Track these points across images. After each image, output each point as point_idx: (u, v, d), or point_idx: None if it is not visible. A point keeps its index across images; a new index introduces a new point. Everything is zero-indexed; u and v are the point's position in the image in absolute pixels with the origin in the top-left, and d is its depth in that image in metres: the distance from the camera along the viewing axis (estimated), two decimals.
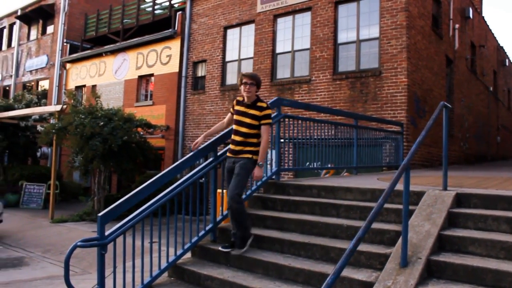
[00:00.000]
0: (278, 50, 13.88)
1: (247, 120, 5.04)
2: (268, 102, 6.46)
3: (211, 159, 5.42)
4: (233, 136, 5.16)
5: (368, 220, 3.40)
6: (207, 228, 5.43)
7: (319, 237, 5.02)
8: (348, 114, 9.50)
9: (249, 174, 5.06)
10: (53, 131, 13.00)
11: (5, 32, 27.89)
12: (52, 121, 16.07)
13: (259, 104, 5.09)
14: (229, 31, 15.28)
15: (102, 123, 12.13)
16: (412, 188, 4.81)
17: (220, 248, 5.04)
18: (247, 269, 4.85)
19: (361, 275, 4.16)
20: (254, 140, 5.06)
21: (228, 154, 5.21)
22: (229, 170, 5.12)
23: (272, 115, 6.43)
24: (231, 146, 5.17)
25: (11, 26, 27.40)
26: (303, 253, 4.83)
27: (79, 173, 14.53)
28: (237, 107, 5.22)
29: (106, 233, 4.42)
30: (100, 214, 4.32)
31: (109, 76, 19.25)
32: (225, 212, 5.64)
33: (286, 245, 4.99)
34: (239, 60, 14.78)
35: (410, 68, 11.28)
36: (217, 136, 5.53)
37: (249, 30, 14.65)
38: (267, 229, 5.51)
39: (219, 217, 5.58)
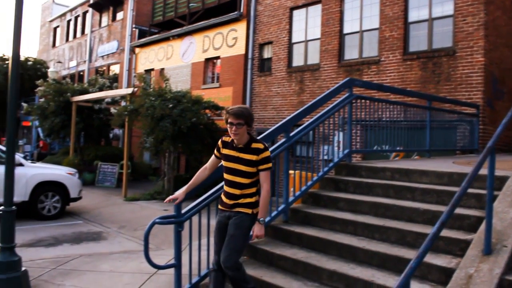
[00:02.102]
0: (345, 30, 13.56)
1: (242, 168, 4.03)
2: (340, 83, 6.41)
3: (283, 140, 5.42)
4: (226, 188, 4.18)
5: (452, 204, 3.27)
6: (279, 208, 5.46)
7: (394, 220, 4.92)
8: (422, 95, 9.15)
9: (247, 234, 4.09)
10: (125, 113, 13.51)
11: (79, 20, 29.20)
12: (123, 103, 16.71)
13: (254, 145, 4.04)
14: (295, 12, 15.09)
15: (171, 105, 12.44)
16: (495, 172, 4.59)
17: None
18: (321, 250, 4.85)
19: (440, 260, 4.05)
20: (253, 190, 4.09)
21: (220, 207, 4.28)
22: (221, 226, 4.16)
23: (344, 96, 6.36)
24: (224, 199, 4.20)
25: (84, 14, 28.64)
26: (378, 236, 4.76)
27: (150, 153, 15.06)
28: (225, 151, 4.16)
29: (182, 211, 4.55)
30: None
31: (176, 60, 19.67)
32: (297, 193, 5.66)
33: (360, 228, 4.93)
34: (306, 42, 14.60)
35: (488, 46, 10.67)
36: (289, 117, 5.52)
37: (315, 11, 14.39)
38: (339, 211, 5.47)
39: (291, 198, 5.60)
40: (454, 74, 10.95)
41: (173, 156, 13.64)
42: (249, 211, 4.03)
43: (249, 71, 16.10)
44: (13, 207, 5.13)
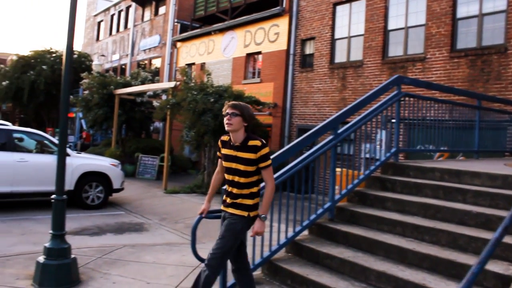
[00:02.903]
0: (390, 26, 13.29)
1: (241, 167, 3.87)
2: (388, 80, 6.27)
3: (331, 137, 5.35)
4: (227, 187, 4.04)
5: None
6: (325, 206, 5.40)
7: (444, 223, 4.78)
8: (472, 94, 8.86)
9: (237, 238, 3.90)
10: (168, 106, 13.67)
11: (123, 14, 29.78)
12: (164, 97, 16.92)
13: (251, 143, 3.86)
14: (339, 8, 14.89)
15: (213, 100, 12.51)
16: None
17: None
18: (367, 250, 4.76)
19: (497, 267, 3.89)
20: (252, 190, 3.94)
21: (221, 207, 4.15)
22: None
23: (392, 94, 6.22)
24: (224, 197, 4.09)
25: (127, 8, 29.18)
26: (428, 238, 4.63)
27: (190, 147, 15.20)
28: (224, 151, 4.03)
29: None
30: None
31: (217, 54, 19.78)
32: (343, 191, 5.58)
33: (409, 229, 4.81)
34: (349, 38, 14.38)
35: None
36: (338, 113, 5.44)
37: (359, 6, 14.16)
38: (387, 210, 5.35)
39: (337, 196, 5.53)
40: (505, 73, 10.56)
41: (213, 150, 13.72)
42: (245, 213, 3.88)
43: (290, 67, 16.00)
44: (64, 196, 5.27)
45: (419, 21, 12.52)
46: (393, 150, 6.36)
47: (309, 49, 15.75)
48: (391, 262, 4.43)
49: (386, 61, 13.11)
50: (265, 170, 3.88)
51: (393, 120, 6.45)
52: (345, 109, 5.51)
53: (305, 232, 5.36)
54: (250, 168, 3.86)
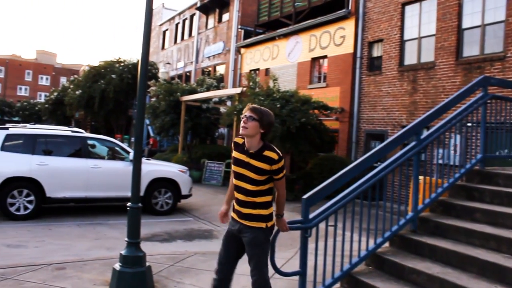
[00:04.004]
0: (464, 25, 12.60)
1: (251, 175, 3.72)
2: (473, 82, 5.84)
3: (413, 143, 5.03)
4: (235, 194, 3.89)
5: None
6: (407, 217, 5.07)
7: None
8: None
9: (266, 250, 3.87)
10: (235, 112, 13.69)
11: (187, 23, 30.44)
12: (228, 103, 16.99)
13: (267, 154, 3.69)
14: (408, 8, 14.34)
15: (279, 105, 12.38)
16: None
17: None
18: (458, 266, 4.38)
19: None
20: (266, 199, 3.80)
21: (232, 214, 4.00)
22: (229, 238, 3.99)
23: (477, 96, 5.78)
24: (235, 205, 3.93)
25: (191, 17, 29.79)
26: None
27: None
28: (236, 154, 3.86)
29: (310, 216, 4.35)
30: (305, 197, 4.27)
31: (282, 59, 19.64)
32: (426, 201, 5.23)
33: (505, 244, 4.38)
34: (419, 38, 13.79)
35: None
36: (420, 118, 5.11)
37: (430, 5, 13.55)
38: (476, 222, 4.94)
39: (420, 206, 5.18)
40: None
41: None
42: (262, 225, 3.78)
43: (357, 71, 15.58)
44: (139, 204, 5.26)
45: (497, 17, 11.77)
46: (479, 156, 5.91)
47: (376, 51, 15.27)
48: (487, 281, 4.04)
49: (460, 62, 12.43)
50: (279, 181, 3.81)
51: (469, 124, 6.01)
52: (428, 113, 5.16)
53: (386, 244, 5.05)
54: (261, 177, 3.73)
